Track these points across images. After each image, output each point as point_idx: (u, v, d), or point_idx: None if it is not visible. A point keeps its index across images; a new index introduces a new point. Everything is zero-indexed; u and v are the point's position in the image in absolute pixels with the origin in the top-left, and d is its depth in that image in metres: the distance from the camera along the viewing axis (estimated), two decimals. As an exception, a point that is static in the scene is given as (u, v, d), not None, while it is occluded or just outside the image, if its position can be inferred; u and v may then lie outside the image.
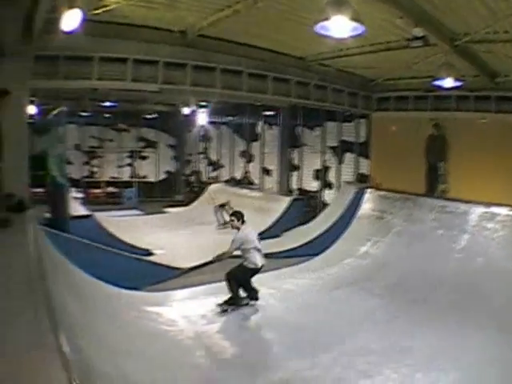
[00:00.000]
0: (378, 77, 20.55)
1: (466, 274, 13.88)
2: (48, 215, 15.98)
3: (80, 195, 27.17)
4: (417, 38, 12.89)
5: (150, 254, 17.23)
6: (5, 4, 9.33)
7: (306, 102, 20.79)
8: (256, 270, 12.37)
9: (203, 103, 27.20)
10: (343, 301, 13.26)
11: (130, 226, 21.84)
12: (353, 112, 23.01)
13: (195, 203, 28.39)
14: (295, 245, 18.45)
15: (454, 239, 15.40)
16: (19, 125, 10.61)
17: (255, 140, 29.06)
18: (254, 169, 28.92)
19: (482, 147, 17.85)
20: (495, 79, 17.04)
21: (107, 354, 7.62)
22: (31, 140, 13.04)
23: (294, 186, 26.01)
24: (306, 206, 23.70)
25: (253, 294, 12.49)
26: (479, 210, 15.51)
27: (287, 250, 17.96)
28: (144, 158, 35.06)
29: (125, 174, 34.54)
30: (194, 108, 28.23)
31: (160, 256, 16.60)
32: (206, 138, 33.70)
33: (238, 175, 29.89)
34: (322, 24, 9.99)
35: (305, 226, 21.22)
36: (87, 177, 33.23)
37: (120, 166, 34.42)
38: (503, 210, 15.09)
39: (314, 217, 21.89)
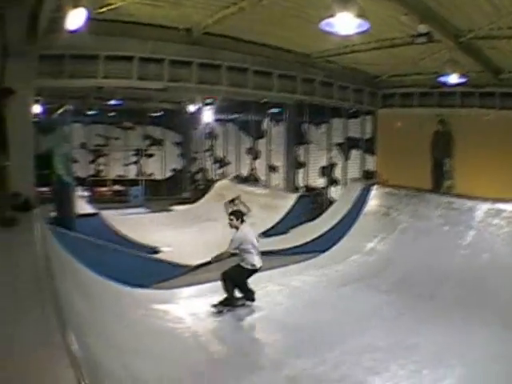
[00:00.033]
0: (384, 73, 20.48)
1: (471, 271, 13.88)
2: (54, 214, 16.01)
3: (86, 194, 27.22)
4: (421, 35, 12.86)
5: (156, 251, 17.27)
6: (9, 3, 9.36)
7: (311, 99, 20.78)
8: (253, 271, 12.20)
9: (209, 101, 27.18)
10: (350, 297, 13.29)
11: (136, 224, 21.87)
12: (358, 108, 22.96)
13: (202, 200, 28.44)
14: (302, 241, 18.42)
15: (459, 235, 15.40)
16: (24, 124, 10.63)
17: (261, 137, 28.96)
18: (260, 166, 28.87)
19: (487, 143, 17.76)
20: (499, 76, 16.98)
21: (115, 352, 7.63)
22: (37, 139, 13.11)
23: (301, 182, 25.96)
24: (313, 203, 23.69)
25: (249, 295, 12.38)
26: (485, 206, 15.51)
27: (294, 247, 17.98)
28: (150, 155, 35.12)
29: (131, 172, 34.64)
30: (200, 105, 28.25)
31: (167, 253, 16.64)
32: (211, 135, 33.66)
33: (245, 172, 29.85)
34: (327, 21, 10.03)
35: (311, 223, 21.19)
36: (93, 175, 33.36)
37: (126, 164, 34.52)
38: (509, 207, 15.10)
39: (320, 213, 21.84)
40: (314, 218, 21.63)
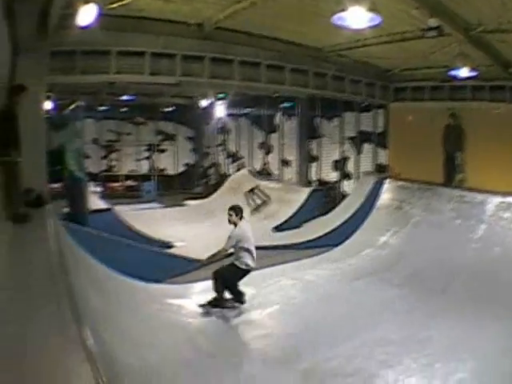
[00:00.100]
0: (395, 67, 20.44)
1: (483, 264, 13.89)
2: (67, 210, 16.06)
3: (99, 189, 27.31)
4: (432, 29, 12.84)
5: (170, 246, 17.32)
6: (20, 0, 9.39)
7: (323, 93, 20.77)
8: (247, 272, 11.73)
9: (221, 95, 27.20)
10: (363, 291, 13.30)
11: (149, 219, 21.93)
12: (370, 102, 22.95)
13: (215, 195, 28.43)
14: (315, 235, 18.46)
15: (471, 229, 15.42)
16: (36, 120, 10.70)
17: (274, 131, 28.99)
18: (273, 160, 28.88)
19: (497, 137, 17.69)
20: (509, 69, 16.91)
21: (130, 346, 7.69)
22: (48, 135, 13.13)
23: (313, 176, 25.97)
24: (326, 197, 23.72)
25: (239, 297, 11.86)
26: (496, 199, 15.53)
27: (307, 241, 18.01)
28: (162, 150, 35.19)
29: (143, 168, 34.71)
30: (212, 100, 28.28)
31: (180, 248, 16.68)
32: (224, 130, 33.69)
33: (257, 167, 29.84)
34: (339, 15, 10.06)
35: (324, 217, 21.22)
36: (105, 171, 33.46)
37: (138, 160, 34.61)
38: (519, 200, 15.12)
39: (333, 207, 21.88)
40: (326, 212, 21.67)
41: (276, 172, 28.46)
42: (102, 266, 11.31)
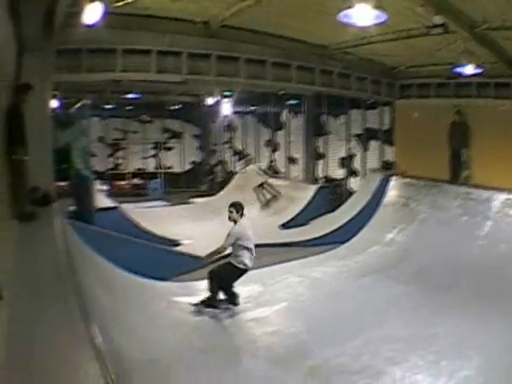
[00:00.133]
0: (401, 64, 20.47)
1: (489, 261, 13.87)
2: (73, 208, 16.09)
3: (105, 187, 27.32)
4: (437, 26, 12.85)
5: (177, 244, 17.34)
6: (25, -1, 9.43)
7: (329, 90, 20.80)
8: (243, 271, 11.37)
9: (227, 93, 27.21)
10: (370, 288, 13.31)
11: (156, 217, 21.95)
12: (376, 99, 22.96)
13: (221, 193, 28.43)
14: (322, 233, 18.50)
15: (477, 226, 15.39)
16: (43, 119, 10.74)
17: (280, 129, 29.02)
18: (279, 157, 28.89)
19: (503, 134, 17.69)
20: (513, 66, 16.94)
21: (138, 343, 7.72)
22: (55, 134, 13.17)
23: (320, 174, 25.98)
24: (332, 194, 23.74)
25: (233, 299, 11.53)
26: (502, 196, 15.49)
27: (314, 239, 18.04)
28: (169, 148, 35.25)
29: (150, 166, 34.76)
30: (218, 98, 28.32)
31: (187, 246, 16.68)
32: (230, 127, 33.75)
33: (264, 164, 29.82)
34: (345, 12, 10.06)
35: (331, 214, 21.23)
36: (112, 169, 33.59)
37: (145, 158, 34.69)
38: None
39: (340, 205, 21.89)
40: (333, 210, 21.68)
41: (283, 169, 28.47)
42: (109, 264, 11.34)
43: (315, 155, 25.85)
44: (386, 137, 23.29)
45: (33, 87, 9.08)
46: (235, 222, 11.38)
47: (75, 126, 19.87)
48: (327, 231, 18.55)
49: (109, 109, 32.21)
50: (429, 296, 12.38)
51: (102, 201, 18.69)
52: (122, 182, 32.64)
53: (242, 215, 11.47)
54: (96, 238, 12.28)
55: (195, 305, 11.32)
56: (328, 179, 25.55)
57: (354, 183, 24.40)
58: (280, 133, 28.93)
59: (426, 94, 21.08)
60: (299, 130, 26.76)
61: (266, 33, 16.13)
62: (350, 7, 9.88)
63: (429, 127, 20.15)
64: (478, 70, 15.29)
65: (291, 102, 27.26)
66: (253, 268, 11.69)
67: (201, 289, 12.66)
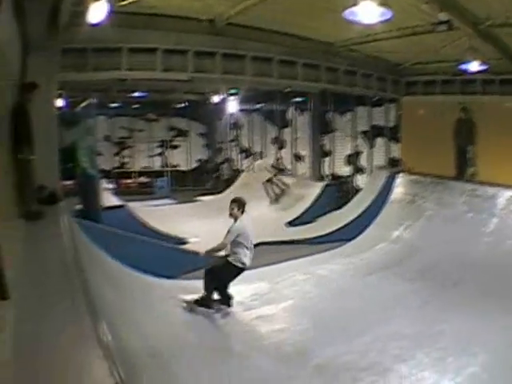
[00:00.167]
0: (406, 61, 20.47)
1: (495, 258, 13.87)
2: (80, 207, 16.11)
3: (112, 186, 27.34)
4: (442, 23, 12.86)
5: (184, 242, 17.36)
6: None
7: (335, 88, 20.79)
8: (241, 270, 11.03)
9: (233, 91, 27.22)
10: (376, 286, 13.31)
11: (162, 216, 21.98)
12: (382, 96, 22.95)
13: (227, 191, 28.38)
14: (328, 230, 18.47)
15: (483, 223, 15.38)
16: (49, 118, 10.78)
17: (286, 126, 29.07)
18: (285, 155, 28.86)
19: (508, 130, 17.68)
20: (517, 63, 16.92)
21: (146, 342, 7.74)
22: (61, 133, 13.19)
23: (326, 171, 25.96)
24: (339, 192, 23.72)
25: (227, 300, 11.27)
26: (507, 193, 15.47)
27: (320, 236, 18.04)
28: (175, 147, 35.29)
29: (156, 164, 34.81)
30: (224, 96, 28.33)
31: (194, 244, 16.68)
32: (236, 125, 33.77)
33: (271, 162, 29.80)
34: (350, 10, 10.09)
35: (337, 212, 21.20)
36: (118, 167, 33.64)
37: (151, 156, 34.73)
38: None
39: (346, 202, 21.84)
40: (340, 207, 21.64)
41: (289, 167, 28.44)
42: (117, 262, 11.35)
43: (321, 152, 25.84)
44: (392, 134, 23.30)
45: (38, 86, 9.11)
46: (236, 218, 11.18)
47: (81, 125, 19.83)
48: (334, 229, 18.51)
49: (115, 107, 32.29)
50: (435, 293, 12.37)
51: (109, 199, 18.71)
52: (129, 181, 32.75)
53: (243, 212, 11.27)
54: (103, 236, 12.28)
55: (187, 302, 11.12)
56: (334, 176, 25.55)
57: (360, 180, 24.39)
58: (286, 130, 28.96)
59: (431, 91, 21.06)
60: (305, 127, 26.77)
61: (272, 30, 16.14)
62: (355, 4, 9.90)
63: (434, 124, 20.15)
64: (483, 67, 15.31)
65: (297, 99, 27.24)
66: (259, 266, 11.67)
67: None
